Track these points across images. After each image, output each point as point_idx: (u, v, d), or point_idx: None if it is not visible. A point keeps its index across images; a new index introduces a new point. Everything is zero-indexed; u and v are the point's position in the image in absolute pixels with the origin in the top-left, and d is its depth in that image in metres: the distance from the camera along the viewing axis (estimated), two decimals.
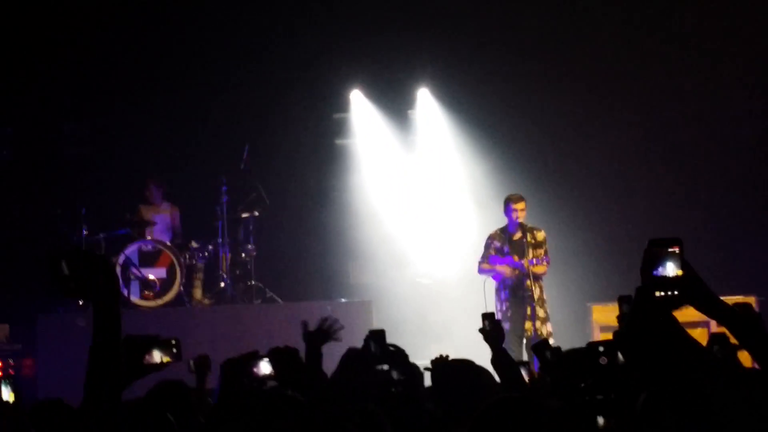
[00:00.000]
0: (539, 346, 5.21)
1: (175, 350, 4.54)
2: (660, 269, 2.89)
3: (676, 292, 2.86)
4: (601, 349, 4.13)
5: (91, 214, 12.09)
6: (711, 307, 2.93)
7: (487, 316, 5.56)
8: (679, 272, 2.88)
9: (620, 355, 4.11)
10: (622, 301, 5.60)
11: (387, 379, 4.16)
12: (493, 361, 5.36)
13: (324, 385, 4.41)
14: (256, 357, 4.58)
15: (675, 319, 2.95)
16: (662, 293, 2.87)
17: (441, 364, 5.58)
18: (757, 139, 13.13)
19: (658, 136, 13.35)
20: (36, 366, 11.14)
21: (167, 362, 4.49)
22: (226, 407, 4.01)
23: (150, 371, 4.32)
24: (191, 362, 6.20)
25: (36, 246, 12.79)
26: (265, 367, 4.58)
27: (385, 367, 4.40)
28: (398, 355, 4.30)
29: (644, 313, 2.90)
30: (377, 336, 4.61)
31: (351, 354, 4.35)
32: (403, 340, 6.64)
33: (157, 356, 4.50)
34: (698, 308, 2.91)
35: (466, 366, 5.22)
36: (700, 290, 2.88)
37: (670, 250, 2.88)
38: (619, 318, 5.76)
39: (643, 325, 2.90)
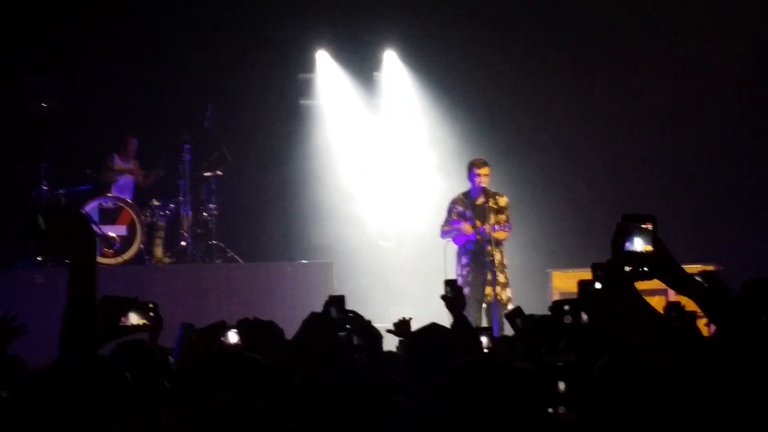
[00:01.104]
0: (511, 314, 5.25)
1: (152, 314, 4.51)
2: (628, 244, 2.92)
3: (645, 268, 2.90)
4: (566, 307, 4.13)
5: (52, 170, 11.97)
6: (679, 282, 2.97)
7: (449, 283, 5.60)
8: (649, 248, 2.91)
9: (584, 316, 4.13)
10: (595, 267, 5.68)
11: (348, 346, 4.15)
12: (453, 327, 5.39)
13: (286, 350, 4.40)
14: (223, 327, 4.57)
15: (635, 289, 2.98)
16: (632, 268, 2.90)
17: (412, 332, 5.60)
18: (724, 109, 13.19)
19: (624, 102, 13.39)
20: None
21: (143, 325, 4.46)
22: (190, 369, 3.99)
23: (126, 333, 4.29)
24: None
25: None
26: (232, 337, 4.57)
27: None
28: (359, 321, 4.29)
29: (612, 284, 2.93)
30: (337, 301, 4.61)
31: (312, 318, 4.33)
32: (363, 302, 6.69)
33: (134, 318, 4.48)
34: (667, 283, 2.95)
35: (436, 330, 5.24)
36: (669, 267, 2.92)
37: (643, 226, 2.91)
38: (581, 283, 5.81)
39: (610, 296, 2.91)
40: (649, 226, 2.94)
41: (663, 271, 2.94)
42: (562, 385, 3.86)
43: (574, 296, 3.53)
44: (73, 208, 2.87)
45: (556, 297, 11.27)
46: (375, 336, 4.40)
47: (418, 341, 5.17)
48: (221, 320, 4.57)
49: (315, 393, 3.52)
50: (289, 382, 3.49)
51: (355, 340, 4.27)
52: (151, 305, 4.47)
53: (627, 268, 2.95)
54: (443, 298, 5.56)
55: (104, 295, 4.06)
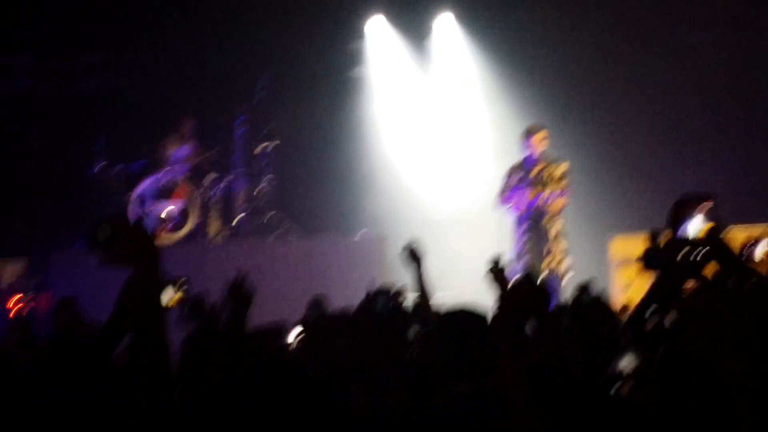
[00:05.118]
0: (583, 287, 5.02)
1: (185, 286, 4.48)
2: (684, 227, 2.79)
3: (700, 255, 2.76)
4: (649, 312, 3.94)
5: (107, 148, 12.00)
6: (732, 268, 2.84)
7: (492, 262, 5.42)
8: (708, 226, 2.78)
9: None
10: (654, 235, 5.46)
11: (400, 340, 4.00)
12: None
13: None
14: (283, 329, 4.50)
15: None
16: (689, 249, 2.76)
17: (451, 313, 5.43)
18: None
19: (686, 67, 13.06)
20: (53, 300, 11.11)
21: (178, 299, 4.46)
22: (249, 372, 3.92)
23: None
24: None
25: (52, 179, 12.76)
26: (291, 337, 4.51)
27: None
28: (413, 313, 4.13)
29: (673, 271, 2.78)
30: (384, 293, 4.46)
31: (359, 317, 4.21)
32: None
33: (169, 293, 4.48)
34: (722, 267, 2.82)
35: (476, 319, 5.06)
36: (724, 252, 2.78)
37: (701, 205, 2.78)
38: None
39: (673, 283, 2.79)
40: (708, 204, 2.80)
41: (718, 255, 2.80)
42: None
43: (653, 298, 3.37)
44: (130, 218, 2.94)
45: (616, 264, 11.05)
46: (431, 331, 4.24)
47: (449, 324, 4.98)
48: (281, 323, 4.50)
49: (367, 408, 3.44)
50: (344, 396, 3.41)
51: (411, 334, 4.11)
52: (182, 279, 4.46)
53: (685, 250, 2.80)
54: (486, 277, 5.38)
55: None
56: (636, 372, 3.53)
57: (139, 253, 2.83)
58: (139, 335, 2.85)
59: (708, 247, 2.77)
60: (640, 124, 13.13)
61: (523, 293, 3.51)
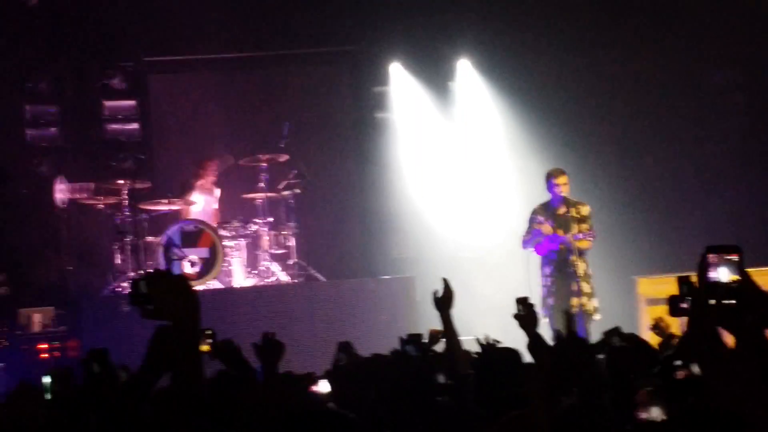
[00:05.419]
0: (611, 332, 5.06)
1: (210, 340, 4.48)
2: (713, 275, 2.76)
3: (732, 301, 2.73)
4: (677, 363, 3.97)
5: (134, 194, 12.09)
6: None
7: (521, 301, 5.47)
8: (736, 278, 2.74)
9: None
10: (682, 283, 5.47)
11: (431, 386, 4.02)
12: (529, 347, 5.27)
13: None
14: (313, 378, 4.50)
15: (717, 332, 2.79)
16: (718, 301, 2.74)
17: (486, 352, 5.46)
18: None
19: (711, 108, 13.09)
20: (81, 348, 11.14)
21: (205, 352, 4.45)
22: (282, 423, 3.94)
23: None
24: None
25: (79, 230, 12.85)
26: (323, 386, 4.51)
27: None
28: (443, 359, 4.15)
29: (702, 321, 2.77)
30: (414, 340, 4.49)
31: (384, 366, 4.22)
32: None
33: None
34: (756, 319, 2.75)
35: (511, 356, 5.10)
36: (758, 301, 2.73)
37: (727, 257, 2.76)
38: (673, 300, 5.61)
39: (701, 334, 2.78)
40: (735, 257, 2.78)
41: (751, 305, 2.76)
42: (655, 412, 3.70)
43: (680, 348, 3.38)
44: (173, 273, 2.96)
45: (643, 304, 11.03)
46: (462, 375, 4.26)
47: (492, 363, 5.01)
48: (311, 372, 4.51)
49: None
50: None
51: (441, 379, 4.12)
52: (208, 332, 4.45)
53: (711, 301, 2.78)
54: (516, 316, 5.43)
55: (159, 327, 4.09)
56: (664, 421, 3.53)
57: (179, 308, 2.86)
58: (178, 388, 2.88)
59: (742, 293, 2.76)
60: (664, 165, 13.13)
61: (562, 356, 3.52)
